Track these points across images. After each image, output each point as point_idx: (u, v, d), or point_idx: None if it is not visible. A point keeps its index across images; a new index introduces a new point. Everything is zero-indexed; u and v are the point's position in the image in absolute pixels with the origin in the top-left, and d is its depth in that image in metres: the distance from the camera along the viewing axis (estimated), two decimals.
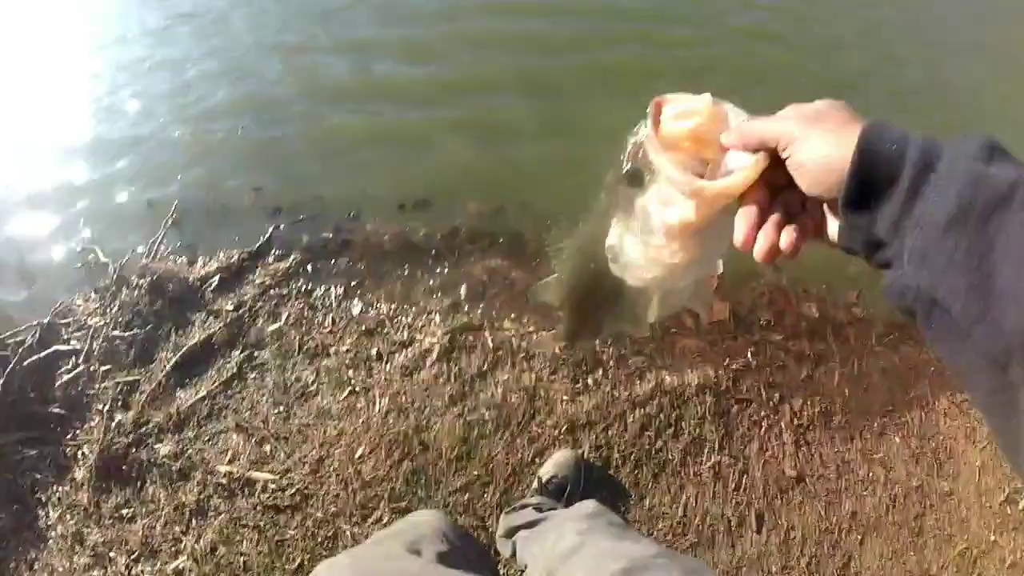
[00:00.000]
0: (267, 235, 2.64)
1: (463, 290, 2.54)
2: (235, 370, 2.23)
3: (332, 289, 2.50)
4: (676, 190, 0.51)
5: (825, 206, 0.48)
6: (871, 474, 2.12)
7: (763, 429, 2.20)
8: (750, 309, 2.50)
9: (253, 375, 2.24)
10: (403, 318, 2.42)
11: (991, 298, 0.34)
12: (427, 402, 2.18)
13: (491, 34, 3.51)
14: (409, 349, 2.33)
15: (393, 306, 2.46)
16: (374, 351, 2.32)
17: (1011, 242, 0.34)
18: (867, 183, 0.41)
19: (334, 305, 2.45)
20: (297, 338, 2.33)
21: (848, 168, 0.41)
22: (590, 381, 2.26)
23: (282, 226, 2.70)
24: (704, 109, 0.50)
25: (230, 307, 2.41)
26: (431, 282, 2.56)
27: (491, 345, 2.36)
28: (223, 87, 3.25)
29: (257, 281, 2.50)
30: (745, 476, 2.09)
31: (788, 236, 0.47)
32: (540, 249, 2.61)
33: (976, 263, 0.35)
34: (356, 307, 2.45)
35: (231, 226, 2.70)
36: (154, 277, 2.42)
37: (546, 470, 1.95)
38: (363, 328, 2.38)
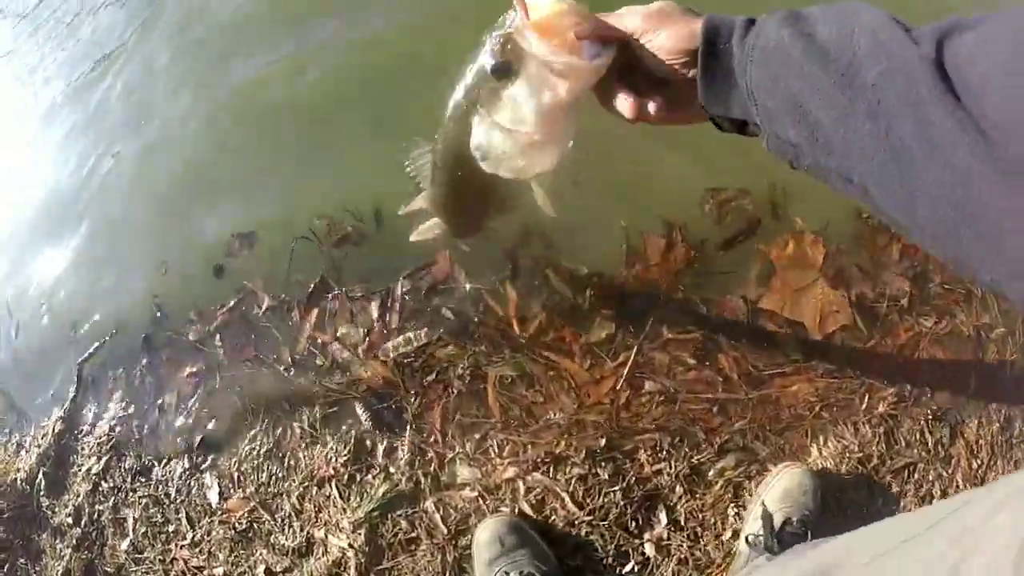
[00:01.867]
0: (73, 387, 1.62)
1: (364, 417, 1.31)
2: None
3: (171, 464, 1.49)
4: (552, 71, 0.57)
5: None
6: None
7: None
8: None
9: None
10: (283, 501, 1.36)
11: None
12: None
13: None
14: (310, 562, 1.32)
15: (261, 481, 1.38)
16: (261, 570, 1.38)
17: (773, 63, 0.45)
18: (712, 55, 0.50)
19: (183, 493, 1.47)
20: (158, 561, 1.48)
21: (700, 46, 0.51)
22: None
23: (85, 365, 1.63)
24: (552, 4, 0.57)
25: (70, 520, 1.60)
26: (307, 417, 1.36)
27: (443, 527, 1.22)
28: None
29: (84, 468, 1.60)
30: None
31: (652, 104, 0.58)
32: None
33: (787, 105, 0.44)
34: (212, 491, 1.44)
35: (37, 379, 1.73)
36: None
37: (772, 507, 1.15)
38: (233, 531, 1.40)
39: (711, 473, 1.29)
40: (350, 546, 1.27)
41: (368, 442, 1.31)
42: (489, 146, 0.64)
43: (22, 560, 1.64)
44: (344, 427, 1.33)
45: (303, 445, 1.35)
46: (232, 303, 1.55)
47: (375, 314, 1.42)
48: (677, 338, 1.34)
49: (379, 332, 1.38)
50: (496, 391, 1.29)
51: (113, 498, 1.55)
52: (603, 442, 1.27)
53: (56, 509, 1.62)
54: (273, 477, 1.38)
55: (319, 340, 1.43)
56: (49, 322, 1.79)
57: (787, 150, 0.46)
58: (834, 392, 1.36)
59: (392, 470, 1.28)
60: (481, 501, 1.23)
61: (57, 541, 1.61)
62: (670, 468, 1.28)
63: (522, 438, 1.26)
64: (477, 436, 1.27)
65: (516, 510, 1.22)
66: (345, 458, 1.30)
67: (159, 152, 1.86)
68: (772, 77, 0.45)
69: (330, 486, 1.29)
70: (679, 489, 1.28)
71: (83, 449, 1.61)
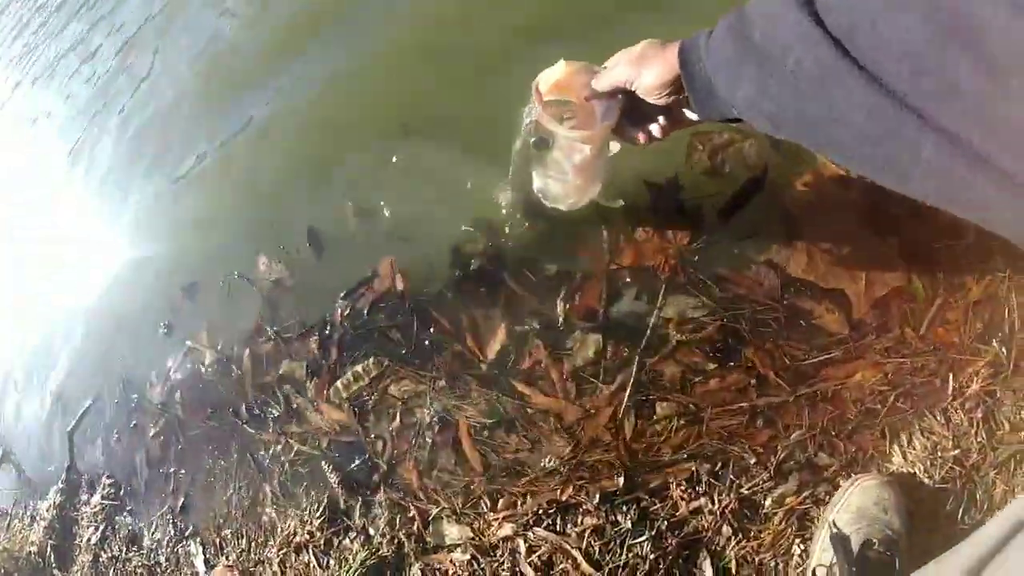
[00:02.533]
0: (67, 458, 1.56)
1: (332, 477, 1.12)
2: None
3: (158, 531, 1.38)
4: (575, 142, 0.77)
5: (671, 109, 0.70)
6: None
7: None
8: None
9: None
10: (265, 570, 1.20)
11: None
12: None
13: None
14: None
15: (242, 548, 1.23)
16: None
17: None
18: (692, 78, 0.59)
19: (172, 562, 1.36)
20: None
21: (681, 73, 0.60)
22: None
23: (74, 433, 1.57)
24: (562, 72, 0.73)
25: None
26: (276, 474, 1.19)
27: None
28: None
29: (84, 539, 1.53)
30: None
31: (656, 127, 0.74)
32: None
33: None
34: (198, 559, 1.31)
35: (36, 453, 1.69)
36: (3, 573, 1.66)
37: (844, 531, 0.91)
38: None
39: (767, 503, 0.99)
40: None
41: (342, 501, 1.12)
42: (547, 190, 0.93)
43: None
44: (317, 484, 1.15)
45: (276, 506, 1.18)
46: (180, 360, 1.43)
47: (314, 347, 1.23)
48: (688, 339, 1.04)
49: (326, 369, 1.19)
50: (471, 440, 1.06)
51: (112, 569, 1.47)
52: (621, 481, 1.00)
53: None
54: (253, 543, 1.22)
55: (268, 385, 1.26)
56: (46, 395, 1.75)
57: (767, 131, 0.51)
58: (908, 375, 1.02)
59: (371, 532, 1.08)
60: (476, 565, 1.01)
61: None
62: (712, 504, 1.00)
63: (518, 488, 1.02)
64: (462, 490, 1.04)
65: (519, 575, 0.98)
66: (320, 520, 1.12)
67: None
68: (732, 82, 0.52)
69: (307, 552, 1.12)
70: (726, 530, 0.99)
71: (82, 520, 1.55)
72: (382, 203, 1.28)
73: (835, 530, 0.89)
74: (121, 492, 1.47)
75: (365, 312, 1.20)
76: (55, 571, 1.60)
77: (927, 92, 0.34)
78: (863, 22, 0.37)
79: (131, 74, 2.20)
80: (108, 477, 1.48)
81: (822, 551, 0.90)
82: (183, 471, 1.34)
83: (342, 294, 1.25)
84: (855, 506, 0.92)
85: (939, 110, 0.34)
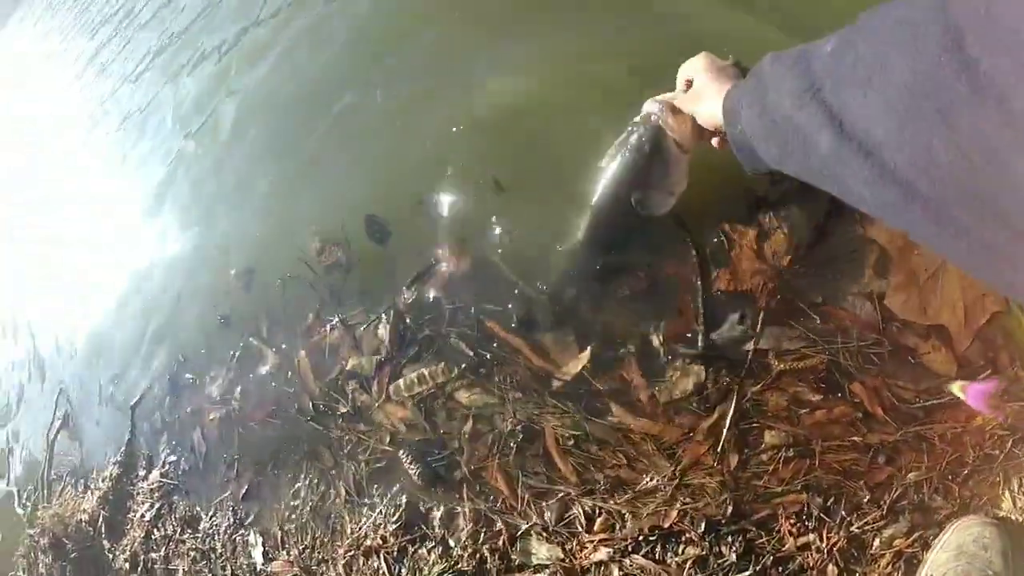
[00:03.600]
0: (128, 431, 1.55)
1: (413, 472, 1.06)
2: None
3: (218, 517, 1.34)
4: (681, 148, 0.86)
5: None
6: None
7: None
8: None
9: None
10: (328, 570, 1.15)
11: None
12: None
13: None
14: None
15: (306, 544, 1.18)
16: None
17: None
18: (734, 136, 0.64)
19: (229, 549, 1.32)
20: None
21: (725, 130, 0.67)
22: None
23: (136, 408, 1.55)
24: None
25: (127, 566, 1.52)
26: (351, 473, 1.14)
27: None
28: None
29: (138, 514, 1.51)
30: None
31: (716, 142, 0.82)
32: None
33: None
34: (256, 551, 1.27)
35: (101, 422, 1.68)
36: (51, 536, 1.66)
37: (940, 571, 0.88)
38: None
39: (876, 544, 0.92)
40: None
41: (422, 506, 1.06)
42: (647, 200, 0.93)
43: None
44: (395, 487, 1.09)
45: (348, 505, 1.13)
46: (239, 355, 1.39)
47: (385, 338, 1.16)
48: (792, 367, 0.95)
49: (388, 366, 1.13)
50: (560, 449, 0.99)
51: (164, 547, 1.44)
52: (730, 510, 0.93)
53: (115, 553, 1.56)
54: (317, 541, 1.17)
55: (334, 381, 1.20)
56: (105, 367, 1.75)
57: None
58: None
59: (451, 543, 1.02)
60: None
61: None
62: (821, 540, 0.92)
63: (615, 505, 0.95)
64: (555, 504, 0.97)
65: None
66: (395, 525, 1.06)
67: None
68: (763, 150, 0.58)
69: (378, 558, 1.06)
70: (832, 570, 0.91)
71: (138, 495, 1.53)
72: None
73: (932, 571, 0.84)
74: (180, 471, 1.44)
75: (430, 299, 1.14)
76: (104, 541, 1.59)
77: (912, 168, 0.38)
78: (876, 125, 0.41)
79: None
80: (169, 455, 1.46)
81: None
82: (246, 458, 1.30)
83: (407, 282, 1.20)
84: (955, 544, 0.87)
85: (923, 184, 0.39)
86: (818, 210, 1.03)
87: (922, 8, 0.37)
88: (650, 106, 0.86)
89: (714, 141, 0.82)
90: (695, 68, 0.80)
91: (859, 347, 0.97)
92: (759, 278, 1.02)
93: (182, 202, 1.84)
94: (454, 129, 1.26)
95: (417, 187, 1.24)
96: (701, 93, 0.77)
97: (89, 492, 1.68)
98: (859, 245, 1.02)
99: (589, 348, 1.01)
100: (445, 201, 1.21)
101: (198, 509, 1.40)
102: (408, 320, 1.15)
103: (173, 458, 1.46)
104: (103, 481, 1.61)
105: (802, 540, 0.93)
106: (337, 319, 1.25)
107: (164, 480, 1.46)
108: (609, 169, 0.95)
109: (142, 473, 1.54)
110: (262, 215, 1.55)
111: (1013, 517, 0.91)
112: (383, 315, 1.17)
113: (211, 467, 1.36)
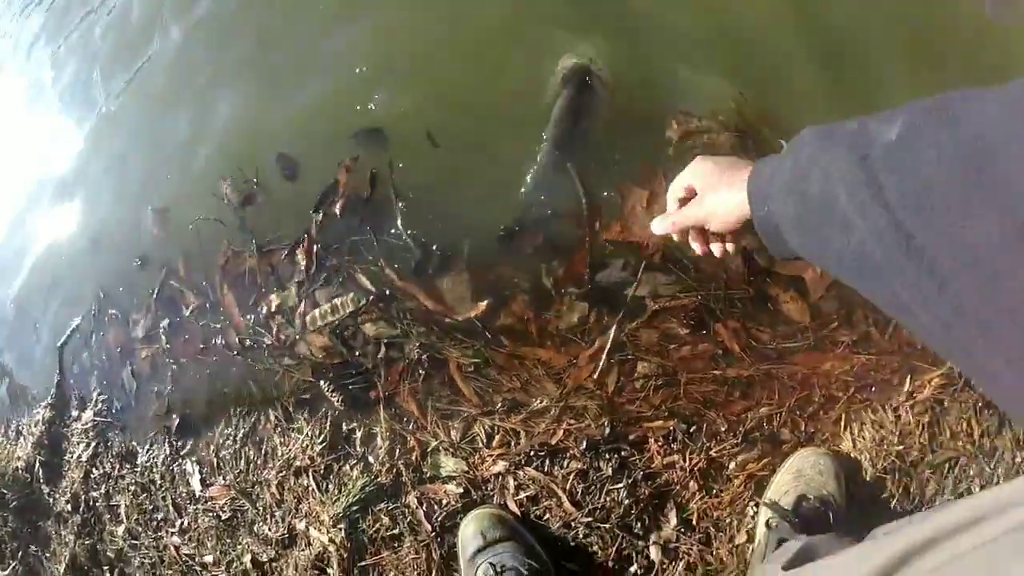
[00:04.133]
0: (56, 372, 1.57)
1: (335, 398, 1.18)
2: None
3: (154, 449, 1.43)
4: None
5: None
6: None
7: None
8: None
9: None
10: (262, 490, 1.27)
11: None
12: None
13: None
14: (294, 553, 1.24)
15: (240, 468, 1.29)
16: (247, 560, 1.30)
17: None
18: (762, 221, 0.55)
19: (167, 480, 1.41)
20: (152, 548, 1.44)
21: (752, 217, 0.56)
22: None
23: (63, 349, 1.58)
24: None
25: (69, 507, 1.58)
26: (279, 402, 1.25)
27: (427, 525, 1.10)
28: None
29: (75, 456, 1.56)
30: None
31: (719, 247, 0.69)
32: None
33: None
34: (194, 479, 1.36)
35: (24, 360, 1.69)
36: None
37: (779, 491, 1.04)
38: (218, 520, 1.33)
39: (731, 466, 1.10)
40: (331, 541, 1.17)
41: (344, 427, 1.18)
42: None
43: (33, 548, 1.65)
44: (319, 412, 1.21)
45: (278, 431, 1.24)
46: (159, 293, 1.46)
47: (302, 263, 1.26)
48: (664, 307, 1.12)
49: (305, 294, 1.24)
50: (463, 376, 1.13)
51: (104, 485, 1.51)
52: (608, 431, 1.10)
53: (56, 496, 1.61)
54: (251, 464, 1.28)
55: (260, 313, 1.30)
56: (33, 304, 1.75)
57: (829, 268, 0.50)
58: (871, 372, 1.14)
59: (371, 460, 1.16)
60: (468, 497, 1.10)
61: (60, 528, 1.59)
62: (684, 461, 1.10)
63: (511, 424, 1.11)
64: (460, 423, 1.12)
65: (505, 506, 1.08)
66: (321, 446, 1.19)
67: None
68: (797, 240, 0.50)
69: (307, 476, 1.19)
70: (692, 485, 1.10)
71: (72, 436, 1.57)
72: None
73: (772, 489, 1.01)
74: (113, 409, 1.50)
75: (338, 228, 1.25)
76: (43, 486, 1.64)
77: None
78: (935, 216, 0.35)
79: None
80: (100, 394, 1.51)
81: (765, 511, 1.00)
82: (176, 392, 1.38)
83: (312, 208, 1.30)
84: (795, 467, 1.04)
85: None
86: None
87: None
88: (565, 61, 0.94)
89: (729, 247, 0.68)
90: (696, 172, 0.66)
91: (726, 294, 1.15)
92: (646, 232, 1.18)
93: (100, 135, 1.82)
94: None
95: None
96: (714, 191, 0.63)
97: (21, 438, 1.71)
98: None
99: (487, 301, 1.15)
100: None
101: (134, 444, 1.47)
102: (319, 247, 1.26)
103: (105, 397, 1.51)
104: (35, 426, 1.65)
105: (668, 460, 1.11)
106: (254, 247, 1.34)
107: (98, 419, 1.52)
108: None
109: (75, 414, 1.58)
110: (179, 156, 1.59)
111: (852, 455, 1.10)
112: (298, 241, 1.27)
113: (143, 403, 1.43)
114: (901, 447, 1.09)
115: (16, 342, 1.77)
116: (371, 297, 1.18)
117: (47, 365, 1.64)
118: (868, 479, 1.08)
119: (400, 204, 1.22)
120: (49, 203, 1.82)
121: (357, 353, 1.17)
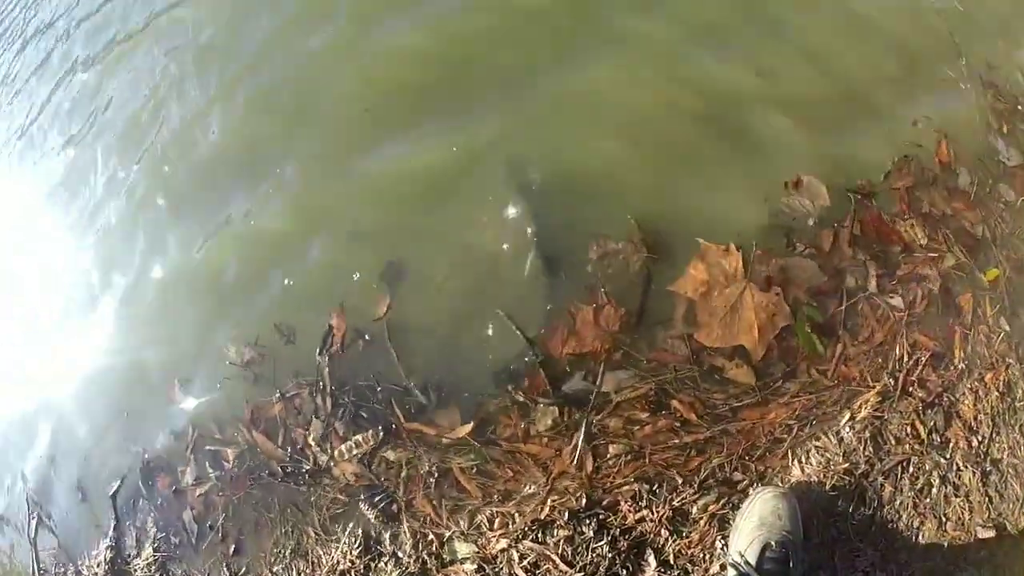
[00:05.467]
0: (112, 518, 1.81)
1: (368, 512, 1.45)
2: None
3: (214, 573, 1.65)
4: None
5: None
6: None
7: None
8: None
9: None
10: None
11: None
12: None
13: None
14: None
15: None
16: None
17: None
18: None
19: None
20: None
21: None
22: None
23: (116, 497, 1.83)
24: None
25: None
26: (317, 519, 1.51)
27: None
28: None
29: None
30: None
31: None
32: None
33: None
34: None
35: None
36: None
37: (746, 540, 1.22)
38: None
39: (694, 511, 1.34)
40: None
41: (373, 533, 1.45)
42: None
43: None
44: (351, 523, 1.48)
45: (319, 542, 1.50)
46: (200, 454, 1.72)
47: (322, 403, 1.56)
48: (627, 399, 1.43)
49: (333, 430, 1.53)
50: (467, 476, 1.42)
51: None
52: (584, 501, 1.37)
53: None
54: (302, 575, 1.52)
55: (297, 444, 1.58)
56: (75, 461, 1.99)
57: None
58: (812, 409, 1.38)
59: (400, 555, 1.41)
60: (482, 572, 1.35)
61: None
62: (652, 514, 1.36)
63: (507, 509, 1.39)
64: (467, 515, 1.40)
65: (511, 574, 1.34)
66: (358, 550, 1.44)
67: None
68: None
69: None
70: (664, 532, 1.35)
71: (135, 572, 1.79)
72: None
73: (740, 538, 1.21)
74: (172, 543, 1.73)
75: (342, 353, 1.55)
76: None
77: None
78: None
79: None
80: (159, 531, 1.74)
81: (735, 553, 1.22)
82: (229, 521, 1.63)
83: (317, 350, 1.61)
84: (757, 515, 1.24)
85: None
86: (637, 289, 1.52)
87: None
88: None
89: None
90: None
91: (676, 375, 1.44)
92: (597, 341, 1.50)
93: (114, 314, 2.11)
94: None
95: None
96: None
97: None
98: (672, 302, 1.49)
99: (471, 423, 1.47)
100: None
101: (195, 572, 1.69)
102: (333, 387, 1.56)
103: (163, 534, 1.75)
104: (98, 566, 1.85)
105: (639, 515, 1.35)
106: (278, 394, 1.63)
107: (158, 554, 1.74)
108: None
109: (133, 552, 1.80)
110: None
111: (803, 480, 1.32)
112: (314, 383, 1.58)
113: (200, 535, 1.67)
114: (847, 464, 1.30)
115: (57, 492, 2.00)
116: (382, 436, 1.49)
117: (95, 512, 1.87)
118: (821, 498, 1.30)
119: (395, 354, 1.54)
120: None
121: (382, 478, 1.46)
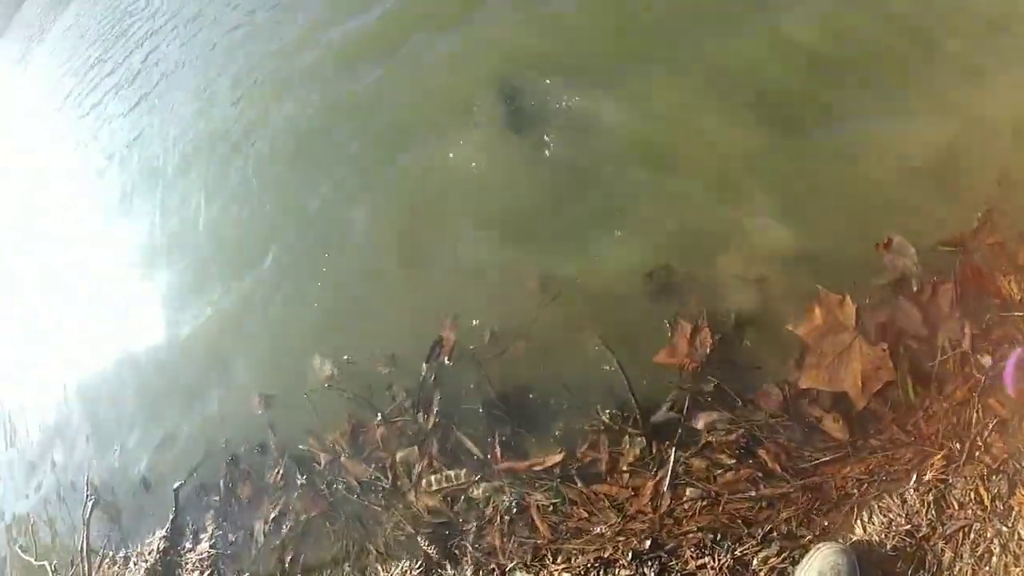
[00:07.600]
0: (172, 509, 1.85)
1: (428, 547, 1.47)
2: None
3: None
4: None
5: None
6: None
7: None
8: None
9: None
10: None
11: None
12: None
13: None
14: None
15: None
16: None
17: None
18: None
19: None
20: None
21: None
22: None
23: (180, 490, 1.86)
24: None
25: None
26: (381, 538, 1.54)
27: None
28: None
29: None
30: None
31: None
32: None
33: None
34: None
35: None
36: None
37: None
38: None
39: (755, 562, 1.32)
40: None
41: (435, 556, 1.47)
42: None
43: None
44: (413, 547, 1.50)
45: (380, 560, 1.52)
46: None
47: (423, 423, 1.59)
48: (718, 440, 1.42)
49: (426, 459, 1.57)
50: (542, 515, 1.44)
51: None
52: (648, 544, 1.39)
53: None
54: None
55: (385, 462, 1.61)
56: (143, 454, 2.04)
57: None
58: (885, 467, 1.33)
59: None
60: None
61: None
62: (714, 562, 1.36)
63: (573, 546, 1.40)
64: (531, 547, 1.41)
65: None
66: (419, 571, 1.47)
67: None
68: None
69: None
70: None
71: (187, 564, 1.83)
72: None
73: None
74: (228, 542, 1.76)
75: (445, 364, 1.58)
76: None
77: None
78: None
79: None
80: (217, 528, 1.78)
81: None
82: (294, 529, 1.66)
83: (424, 360, 1.64)
84: (816, 570, 1.20)
85: None
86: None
87: None
88: None
89: None
90: None
91: (768, 422, 1.40)
92: (688, 358, 1.48)
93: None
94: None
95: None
96: None
97: (132, 564, 1.96)
98: (786, 343, 1.45)
99: (562, 453, 1.50)
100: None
101: (247, 574, 1.73)
102: (437, 409, 1.58)
103: (220, 531, 1.78)
104: (150, 554, 1.90)
105: (700, 562, 1.34)
106: (380, 416, 1.66)
107: (212, 551, 1.78)
108: None
109: (188, 546, 1.84)
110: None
111: (863, 539, 1.28)
112: (416, 404, 1.61)
113: (264, 540, 1.71)
114: (909, 526, 1.25)
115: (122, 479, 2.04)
116: (478, 477, 1.53)
117: (157, 502, 1.91)
118: (882, 559, 1.25)
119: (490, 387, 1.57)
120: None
121: (461, 519, 1.49)
